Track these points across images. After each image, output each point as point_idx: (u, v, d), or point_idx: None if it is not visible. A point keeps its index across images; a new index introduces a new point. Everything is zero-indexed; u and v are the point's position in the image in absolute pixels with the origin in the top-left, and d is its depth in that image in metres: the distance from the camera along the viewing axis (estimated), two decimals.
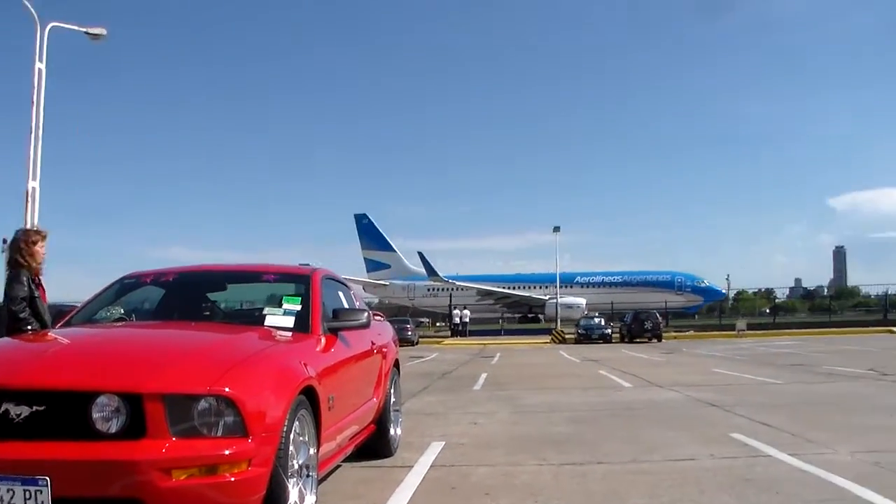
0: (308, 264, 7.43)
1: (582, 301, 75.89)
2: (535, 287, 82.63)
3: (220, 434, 4.20)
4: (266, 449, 4.35)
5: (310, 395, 5.11)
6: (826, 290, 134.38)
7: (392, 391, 8.42)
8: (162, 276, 7.44)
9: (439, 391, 16.36)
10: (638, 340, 46.01)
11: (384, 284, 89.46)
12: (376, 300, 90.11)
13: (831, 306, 80.00)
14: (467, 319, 61.64)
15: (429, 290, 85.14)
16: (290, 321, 6.23)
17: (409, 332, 46.12)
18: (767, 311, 74.83)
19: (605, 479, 6.94)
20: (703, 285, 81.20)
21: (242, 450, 4.19)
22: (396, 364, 8.91)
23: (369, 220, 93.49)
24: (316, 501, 5.17)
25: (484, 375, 20.74)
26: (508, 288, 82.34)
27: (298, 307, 6.41)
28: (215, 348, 5.07)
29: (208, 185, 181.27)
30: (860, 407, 12.12)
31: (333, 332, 6.43)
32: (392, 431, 8.25)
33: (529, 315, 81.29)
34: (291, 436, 4.68)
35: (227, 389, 4.24)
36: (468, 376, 20.75)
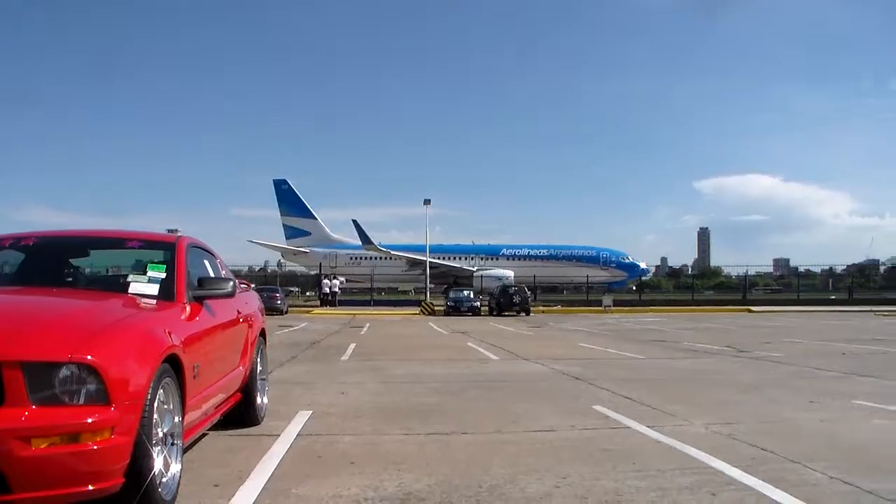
0: (176, 231, 7.30)
1: (510, 273, 76.33)
2: (461, 258, 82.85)
3: (81, 402, 4.13)
4: (129, 417, 4.30)
5: (174, 363, 5.06)
6: (690, 270, 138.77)
7: (258, 360, 8.40)
8: (21, 239, 7.20)
9: (307, 361, 16.31)
10: (506, 313, 46.50)
11: (304, 252, 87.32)
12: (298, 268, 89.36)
13: (694, 285, 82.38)
14: (337, 289, 61.40)
15: (351, 258, 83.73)
16: (154, 289, 6.13)
17: (279, 302, 45.73)
18: (633, 287, 76.48)
19: (468, 448, 7.09)
20: (627, 261, 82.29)
21: (105, 418, 4.13)
22: (263, 333, 8.87)
23: (289, 185, 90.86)
24: (181, 469, 5.14)
25: (352, 346, 20.76)
26: (437, 258, 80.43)
27: (163, 275, 6.31)
28: (77, 315, 4.97)
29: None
30: (717, 382, 12.58)
31: (199, 300, 6.37)
32: (259, 400, 8.24)
33: (455, 287, 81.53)
34: (155, 404, 4.64)
35: (89, 357, 4.17)
36: (336, 346, 20.73)
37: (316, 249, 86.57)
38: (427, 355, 18.14)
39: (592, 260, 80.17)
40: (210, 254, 7.93)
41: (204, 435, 6.93)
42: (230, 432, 7.61)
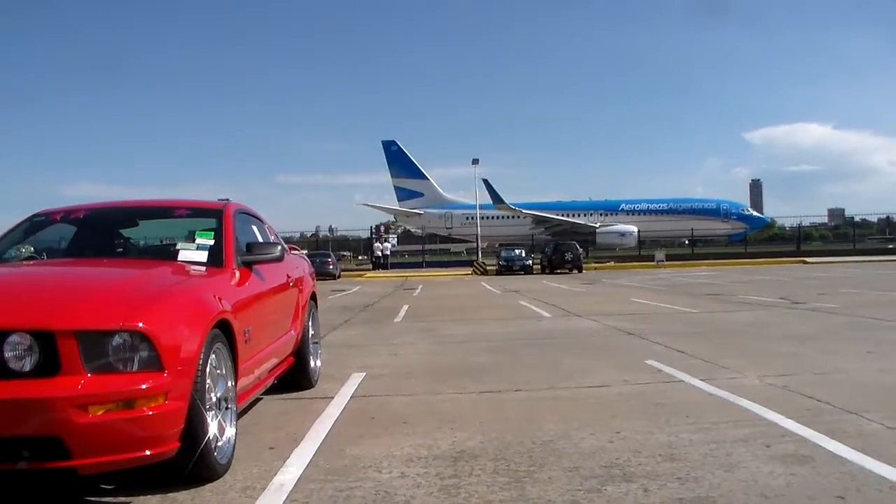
0: (227, 199, 7.34)
1: (634, 228, 76.35)
2: (582, 215, 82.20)
3: (135, 369, 4.19)
4: (182, 382, 4.36)
5: (225, 328, 5.10)
6: None
7: (310, 324, 8.44)
8: (72, 213, 7.30)
9: (360, 324, 16.42)
10: (559, 271, 46.45)
11: (418, 213, 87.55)
12: (412, 228, 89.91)
13: (748, 237, 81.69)
14: (388, 252, 61.53)
15: (467, 218, 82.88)
16: (203, 256, 6.17)
17: (331, 266, 46.06)
18: (686, 241, 75.87)
19: (521, 406, 7.10)
20: (746, 213, 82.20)
21: (158, 384, 4.19)
22: (314, 297, 8.91)
23: (399, 146, 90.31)
24: (236, 433, 5.20)
25: (405, 307, 20.86)
26: (559, 215, 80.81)
27: (211, 241, 6.35)
28: (127, 284, 5.02)
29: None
30: (772, 334, 12.45)
31: (248, 265, 6.40)
32: (312, 363, 8.31)
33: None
34: (208, 369, 4.69)
35: (140, 325, 4.23)
36: (389, 308, 20.85)
37: (430, 210, 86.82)
38: (480, 314, 18.19)
39: (713, 213, 79.46)
40: (258, 219, 7.97)
41: (259, 399, 6.99)
42: (284, 396, 7.70)
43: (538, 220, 79.54)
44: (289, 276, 7.65)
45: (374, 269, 58.11)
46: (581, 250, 50.41)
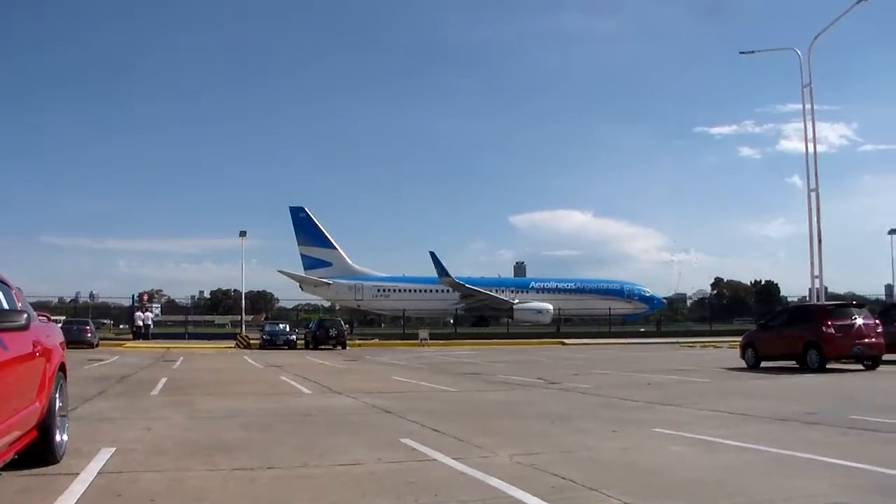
0: None
1: (549, 306, 78.11)
2: (496, 290, 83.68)
3: None
4: None
5: None
6: None
7: (57, 395, 8.09)
8: None
9: (116, 396, 15.95)
10: (323, 347, 46.38)
11: (327, 283, 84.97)
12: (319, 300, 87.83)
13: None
14: (150, 322, 59.82)
15: (379, 290, 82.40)
16: None
17: (89, 335, 44.41)
18: (451, 321, 77.26)
19: (272, 484, 7.12)
20: (647, 294, 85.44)
21: None
22: (63, 368, 8.59)
23: (307, 213, 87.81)
24: None
25: (163, 380, 20.39)
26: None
27: None
28: None
29: None
30: (526, 413, 12.97)
31: None
32: (58, 437, 7.98)
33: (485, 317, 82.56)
34: None
35: None
36: (147, 381, 20.33)
37: (339, 281, 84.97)
38: (239, 389, 18.04)
39: (617, 293, 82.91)
40: (5, 284, 7.66)
41: None
42: (25, 472, 7.36)
43: (465, 294, 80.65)
44: (35, 346, 7.35)
45: (134, 338, 56.25)
46: (346, 326, 50.85)
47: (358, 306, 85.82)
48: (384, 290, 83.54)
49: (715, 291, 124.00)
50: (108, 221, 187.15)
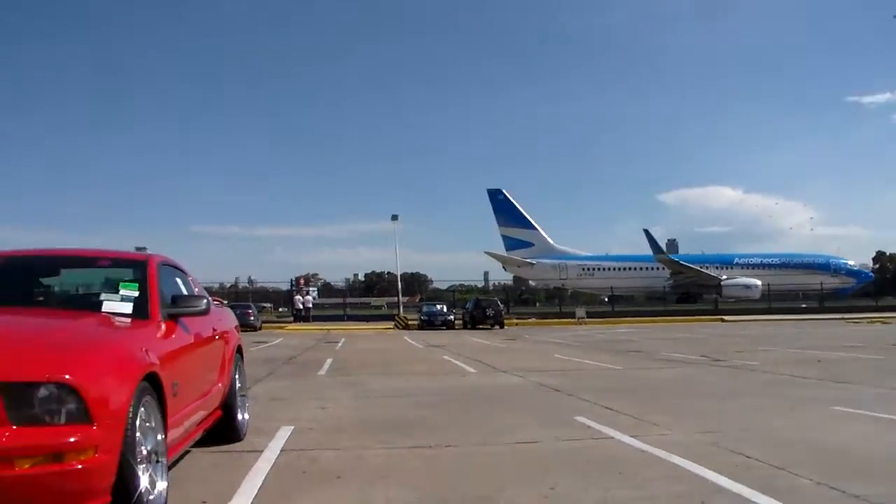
0: (144, 248, 7.19)
1: (758, 282, 78.06)
2: (702, 267, 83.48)
3: (62, 421, 4.05)
4: (112, 435, 4.22)
5: (153, 381, 4.96)
6: None
7: (237, 376, 8.31)
8: None
9: (285, 376, 16.21)
10: (480, 327, 46.48)
11: (530, 263, 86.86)
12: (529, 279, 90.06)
13: (666, 296, 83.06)
14: (310, 304, 61.00)
15: (584, 269, 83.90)
16: (128, 307, 6.02)
17: (252, 318, 45.54)
18: (606, 299, 76.57)
19: (453, 461, 7.03)
20: (855, 268, 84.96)
21: (87, 437, 4.05)
22: (240, 349, 8.77)
23: (505, 195, 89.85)
24: (168, 487, 5.04)
25: (329, 361, 20.66)
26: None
27: (136, 293, 6.21)
28: (53, 334, 4.89)
29: None
30: (696, 391, 12.64)
31: (173, 318, 6.26)
32: (240, 416, 8.14)
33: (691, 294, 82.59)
34: (137, 422, 4.54)
35: (67, 376, 4.09)
36: (313, 361, 20.63)
37: (543, 261, 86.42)
38: (404, 369, 18.12)
39: (823, 267, 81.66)
40: (182, 271, 7.82)
41: (187, 452, 6.82)
42: (213, 449, 7.48)
43: (676, 271, 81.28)
44: (214, 329, 7.51)
45: (295, 321, 57.49)
46: (503, 306, 50.69)
47: (562, 285, 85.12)
48: (589, 269, 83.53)
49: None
50: (257, 211, 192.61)
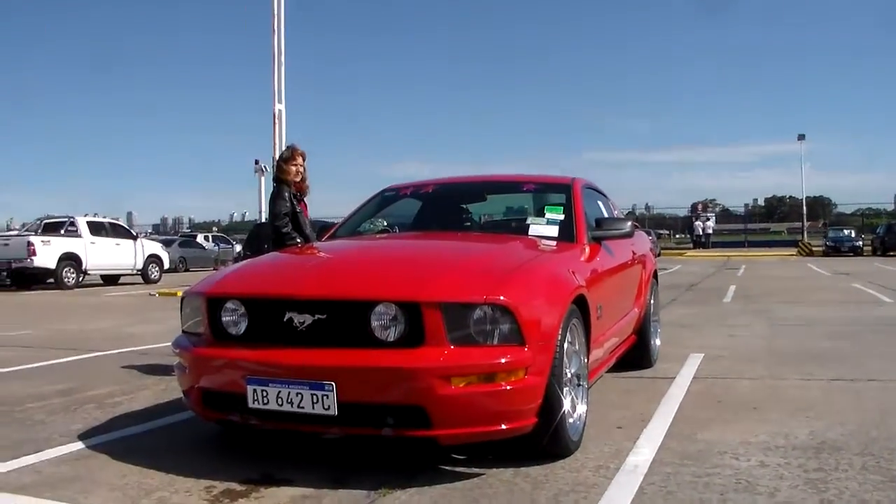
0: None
1: None
2: None
3: (496, 342, 4.20)
4: (542, 358, 4.33)
5: (580, 303, 5.03)
6: None
7: (651, 301, 8.26)
8: (421, 188, 7.52)
9: (688, 303, 16.10)
10: (892, 254, 43.63)
11: None
12: None
13: None
14: (710, 231, 60.03)
15: None
16: (554, 231, 6.14)
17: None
18: None
19: (879, 397, 6.55)
20: None
21: (519, 358, 4.18)
22: (655, 275, 8.75)
23: None
24: (587, 411, 5.13)
25: (732, 288, 20.29)
26: None
27: (561, 216, 6.31)
28: (486, 257, 5.09)
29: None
30: None
31: (597, 241, 6.30)
32: (652, 342, 8.13)
33: None
34: (564, 345, 4.63)
35: (502, 298, 4.22)
36: (716, 288, 20.35)
37: None
38: (811, 297, 17.34)
39: None
40: (603, 195, 7.90)
41: (600, 377, 6.91)
42: (624, 374, 7.54)
43: None
44: (634, 253, 7.53)
45: (693, 247, 57.03)
46: None
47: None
48: None
49: None
50: (654, 135, 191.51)
